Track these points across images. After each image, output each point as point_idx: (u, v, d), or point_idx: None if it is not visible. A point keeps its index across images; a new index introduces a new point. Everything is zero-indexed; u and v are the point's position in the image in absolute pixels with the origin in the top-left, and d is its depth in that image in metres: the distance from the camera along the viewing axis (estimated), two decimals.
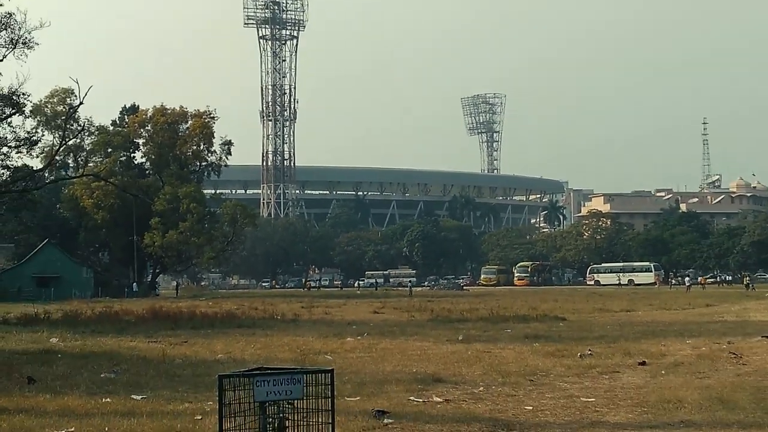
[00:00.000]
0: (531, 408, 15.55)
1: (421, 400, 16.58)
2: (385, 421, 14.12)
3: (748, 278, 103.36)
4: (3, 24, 44.08)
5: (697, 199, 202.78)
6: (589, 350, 25.31)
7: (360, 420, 13.85)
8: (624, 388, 17.82)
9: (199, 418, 14.03)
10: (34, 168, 57.34)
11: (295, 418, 8.18)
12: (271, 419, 8.10)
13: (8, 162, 52.75)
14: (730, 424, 13.36)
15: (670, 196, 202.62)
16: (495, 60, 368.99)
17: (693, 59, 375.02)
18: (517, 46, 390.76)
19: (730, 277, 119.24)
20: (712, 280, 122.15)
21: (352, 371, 20.20)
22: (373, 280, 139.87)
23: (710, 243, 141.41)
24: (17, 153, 52.92)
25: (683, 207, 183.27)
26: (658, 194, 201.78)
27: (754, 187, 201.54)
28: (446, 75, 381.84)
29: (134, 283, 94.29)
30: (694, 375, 19.93)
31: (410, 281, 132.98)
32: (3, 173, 52.92)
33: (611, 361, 22.79)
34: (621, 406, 15.60)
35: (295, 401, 8.11)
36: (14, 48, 44.84)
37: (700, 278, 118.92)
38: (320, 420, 8.16)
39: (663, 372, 20.61)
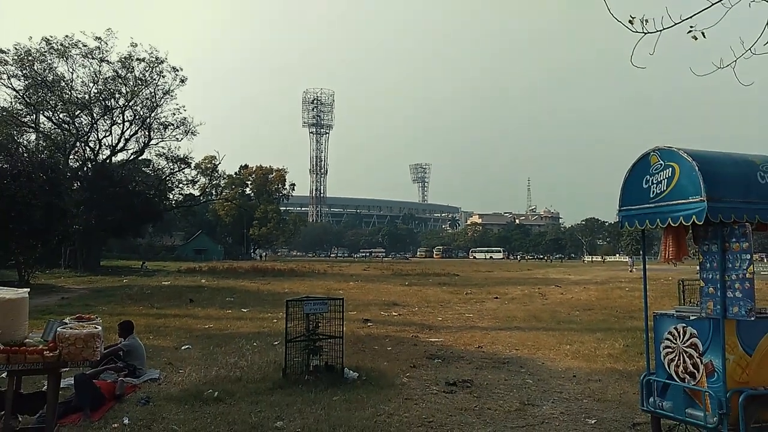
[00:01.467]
0: (441, 318, 16.92)
1: (386, 313, 17.94)
2: (369, 323, 15.24)
3: (547, 257, 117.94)
4: (180, 123, 47.36)
5: (524, 217, 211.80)
6: (469, 291, 27.02)
7: (356, 323, 14.79)
8: (487, 310, 19.31)
9: (275, 321, 14.88)
10: (195, 194, 58.91)
11: (323, 322, 8.91)
12: (311, 322, 8.78)
13: (181, 192, 55.13)
14: (539, 328, 14.59)
15: (511, 215, 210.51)
16: (425, 141, 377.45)
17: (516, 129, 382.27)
18: (437, 129, 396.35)
19: (543, 257, 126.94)
20: (530, 257, 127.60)
21: (353, 299, 20.75)
22: (364, 254, 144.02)
23: (530, 239, 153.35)
24: (186, 186, 55.17)
25: (517, 221, 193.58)
26: (505, 214, 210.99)
27: (552, 212, 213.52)
28: (401, 155, 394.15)
29: (257, 251, 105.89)
30: (521, 303, 21.46)
31: (382, 255, 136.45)
32: (179, 197, 55.31)
33: (480, 296, 24.35)
34: (485, 318, 16.98)
35: (324, 313, 8.86)
36: (186, 135, 48.11)
37: (525, 256, 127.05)
38: (336, 323, 8.89)
39: (506, 302, 22.00)
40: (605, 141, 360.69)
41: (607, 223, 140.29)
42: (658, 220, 5.26)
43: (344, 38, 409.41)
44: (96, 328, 6.06)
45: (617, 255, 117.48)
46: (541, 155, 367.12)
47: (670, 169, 5.16)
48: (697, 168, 4.89)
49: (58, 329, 5.92)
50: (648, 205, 5.39)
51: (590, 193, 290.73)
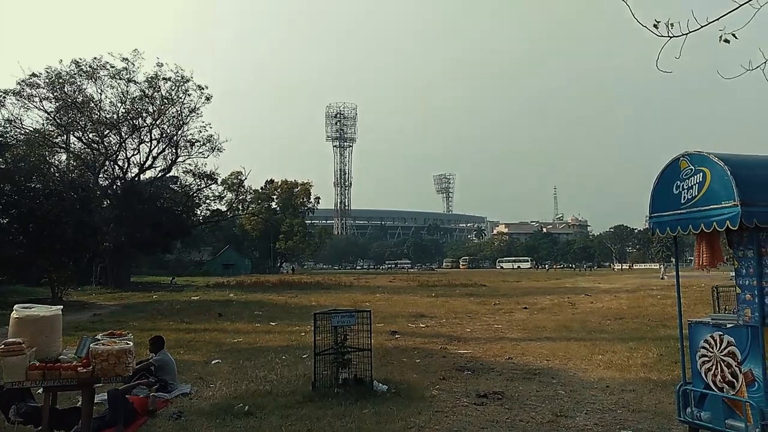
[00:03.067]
0: (469, 329, 16.81)
1: (414, 325, 17.87)
2: (396, 335, 15.24)
3: (576, 266, 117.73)
4: (207, 140, 47.95)
5: (551, 226, 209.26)
6: (497, 301, 26.75)
7: (384, 335, 14.83)
8: (516, 320, 19.10)
9: (304, 334, 14.79)
10: (222, 210, 59.31)
11: (351, 335, 8.91)
12: (339, 335, 8.78)
13: (209, 207, 55.43)
14: (569, 338, 14.33)
15: (537, 223, 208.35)
16: (449, 152, 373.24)
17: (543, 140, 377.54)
18: (461, 139, 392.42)
19: (571, 266, 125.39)
20: (559, 266, 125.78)
21: (380, 311, 20.72)
22: (389, 266, 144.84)
23: (558, 248, 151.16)
24: (213, 202, 55.59)
25: (545, 229, 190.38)
26: (532, 223, 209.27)
27: (579, 220, 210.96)
28: (425, 166, 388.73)
29: (284, 265, 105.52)
30: (550, 313, 21.17)
31: (408, 266, 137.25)
32: (206, 212, 55.68)
33: (509, 307, 24.04)
34: (515, 329, 16.79)
35: (352, 326, 8.86)
36: (212, 152, 48.67)
37: (554, 266, 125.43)
38: (364, 336, 8.87)
39: (535, 312, 21.75)
40: (633, 146, 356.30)
41: (636, 230, 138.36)
42: (690, 226, 5.17)
43: (366, 50, 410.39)
44: (127, 344, 6.17)
45: (647, 263, 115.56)
46: (568, 163, 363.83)
47: (701, 173, 5.07)
48: (729, 172, 4.79)
49: (91, 345, 6.05)
50: (679, 211, 5.29)
51: (619, 200, 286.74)
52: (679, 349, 6.05)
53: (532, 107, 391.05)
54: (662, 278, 49.87)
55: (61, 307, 6.55)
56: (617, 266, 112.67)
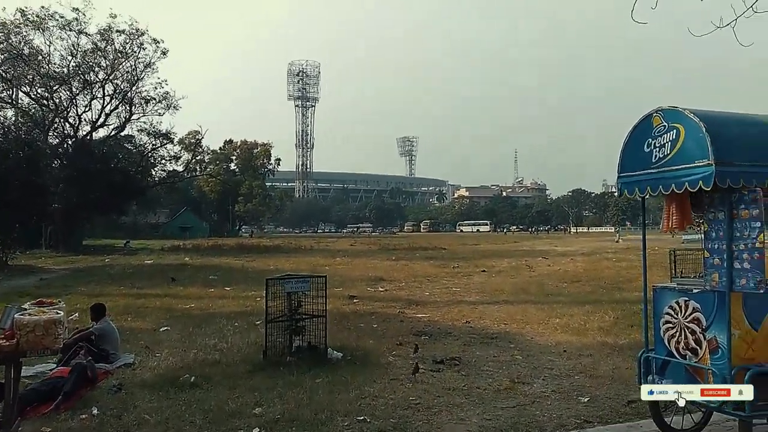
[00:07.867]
0: (428, 293, 16.90)
1: (373, 289, 17.95)
2: (354, 300, 15.16)
3: (533, 229, 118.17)
4: (162, 97, 46.52)
5: (511, 189, 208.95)
6: (456, 264, 26.80)
7: (342, 300, 14.68)
8: (474, 283, 19.27)
9: (259, 299, 13.84)
10: (178, 171, 57.98)
11: (306, 301, 8.55)
12: (294, 301, 8.46)
13: (164, 168, 53.91)
14: (527, 301, 14.51)
15: (498, 187, 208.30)
16: (413, 115, 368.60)
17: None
18: (425, 103, 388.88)
19: (529, 229, 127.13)
20: (517, 229, 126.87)
21: (339, 275, 20.89)
22: (351, 229, 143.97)
23: (516, 211, 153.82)
24: (169, 162, 53.97)
25: (504, 193, 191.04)
26: (492, 186, 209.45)
27: (539, 184, 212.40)
28: (389, 128, 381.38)
29: (244, 228, 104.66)
30: (508, 276, 21.50)
31: (369, 230, 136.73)
32: (162, 173, 54.13)
33: (468, 270, 24.19)
34: (473, 292, 16.92)
35: (306, 292, 8.55)
36: (168, 110, 47.27)
37: (512, 228, 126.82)
38: (320, 302, 8.46)
39: (493, 275, 22.03)
40: (594, 110, 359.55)
41: (593, 194, 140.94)
42: (660, 186, 4.85)
43: (330, 8, 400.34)
44: (57, 313, 5.66)
45: (603, 227, 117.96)
46: (529, 126, 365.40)
47: (675, 130, 4.73)
48: (704, 129, 4.46)
49: (15, 316, 5.50)
50: (650, 171, 4.96)
51: (577, 164, 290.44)
52: (635, 312, 5.87)
53: (494, 69, 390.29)
54: (617, 241, 51.00)
55: None
56: (574, 230, 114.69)
